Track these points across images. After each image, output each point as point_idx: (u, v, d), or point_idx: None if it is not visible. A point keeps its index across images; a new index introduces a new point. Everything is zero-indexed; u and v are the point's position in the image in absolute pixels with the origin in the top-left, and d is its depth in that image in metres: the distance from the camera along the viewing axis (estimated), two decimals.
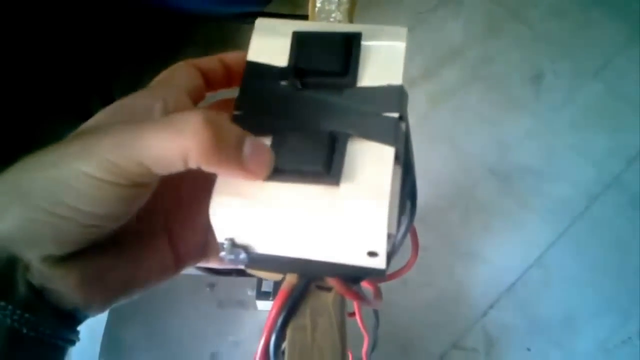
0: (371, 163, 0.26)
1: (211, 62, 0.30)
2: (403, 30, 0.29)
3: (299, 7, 1.44)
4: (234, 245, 0.27)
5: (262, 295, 0.92)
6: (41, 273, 0.24)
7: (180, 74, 0.29)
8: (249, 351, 1.00)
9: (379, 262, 0.26)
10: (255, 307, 0.96)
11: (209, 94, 0.31)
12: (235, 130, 0.25)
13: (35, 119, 1.54)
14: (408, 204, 0.29)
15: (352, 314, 0.54)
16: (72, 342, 0.27)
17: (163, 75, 0.29)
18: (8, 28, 1.14)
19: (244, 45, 0.31)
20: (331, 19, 0.37)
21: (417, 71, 1.69)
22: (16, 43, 1.19)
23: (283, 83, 0.28)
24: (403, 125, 0.28)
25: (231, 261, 0.27)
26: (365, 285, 0.35)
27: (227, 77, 0.31)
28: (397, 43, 0.29)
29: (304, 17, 0.37)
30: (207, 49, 0.68)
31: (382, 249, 0.25)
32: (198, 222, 0.32)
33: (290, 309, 0.27)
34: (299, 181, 0.25)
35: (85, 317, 0.28)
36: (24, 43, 1.21)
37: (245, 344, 0.99)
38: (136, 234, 0.29)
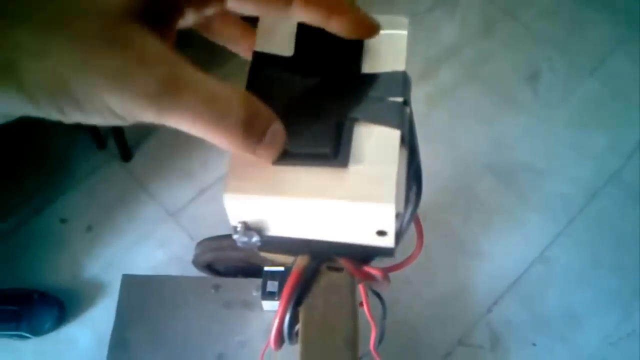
0: (378, 145, 0.26)
1: None
2: (404, 20, 0.31)
3: None
4: (247, 228, 0.28)
5: (268, 295, 0.92)
6: None
7: None
8: (255, 351, 1.01)
9: (388, 241, 0.27)
10: (260, 307, 0.97)
11: None
12: (265, 119, 0.25)
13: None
14: (414, 187, 0.30)
15: (360, 304, 0.55)
16: None
17: None
18: None
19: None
20: None
21: (414, 72, 1.68)
22: None
23: (289, 71, 0.29)
24: (407, 110, 0.29)
25: (244, 244, 0.28)
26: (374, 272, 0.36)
27: None
28: (399, 31, 0.30)
29: None
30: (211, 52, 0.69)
31: (391, 227, 0.26)
32: None
33: (303, 289, 0.28)
34: (308, 164, 0.26)
35: None
36: None
37: (251, 344, 0.99)
38: None
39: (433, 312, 1.39)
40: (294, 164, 0.26)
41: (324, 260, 0.29)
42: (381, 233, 0.27)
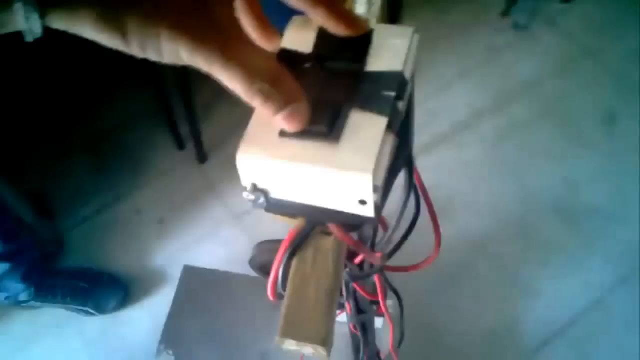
0: (367, 128, 0.32)
1: None
2: (409, 30, 0.36)
3: None
4: (255, 189, 0.34)
5: None
6: None
7: None
8: (296, 354, 1.05)
9: (368, 210, 0.32)
10: None
11: None
12: (288, 96, 0.31)
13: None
14: (406, 174, 0.35)
15: (376, 302, 0.58)
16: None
17: None
18: None
19: None
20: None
21: (487, 103, 1.71)
22: None
23: (307, 65, 0.35)
24: (400, 104, 0.33)
25: (253, 203, 0.34)
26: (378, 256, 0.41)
27: None
28: (402, 40, 0.35)
29: None
30: None
31: (369, 197, 0.31)
32: None
33: (297, 245, 0.33)
34: (309, 139, 0.32)
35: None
36: None
37: None
38: None
39: (479, 343, 1.38)
40: (298, 138, 0.32)
41: (317, 224, 0.34)
42: (362, 202, 0.32)
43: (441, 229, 0.48)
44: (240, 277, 1.32)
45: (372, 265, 0.48)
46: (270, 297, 0.35)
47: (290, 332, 0.33)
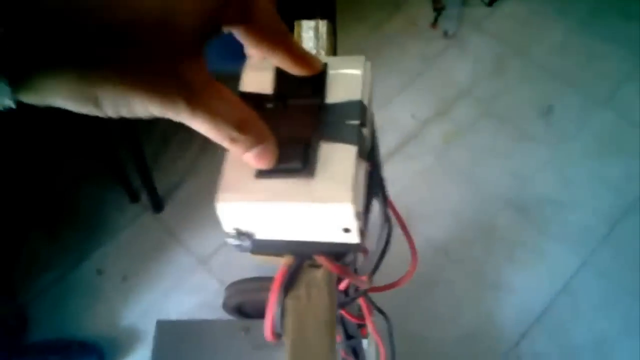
0: (338, 158, 0.33)
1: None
2: (360, 59, 0.37)
3: None
4: (239, 233, 0.34)
5: None
6: None
7: None
8: None
9: (353, 237, 0.33)
10: None
11: None
12: (257, 136, 0.31)
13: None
14: (380, 193, 0.36)
15: (363, 325, 0.59)
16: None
17: None
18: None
19: None
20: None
21: (429, 112, 1.76)
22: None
23: (270, 105, 0.36)
24: (364, 131, 0.35)
25: (238, 248, 0.34)
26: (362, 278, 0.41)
27: None
28: (355, 70, 0.37)
29: None
30: None
31: (353, 224, 0.32)
32: None
33: (288, 282, 0.34)
34: (283, 177, 0.32)
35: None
36: None
37: None
38: None
39: (461, 346, 1.40)
40: (273, 177, 0.33)
41: (305, 258, 0.35)
42: (346, 230, 0.32)
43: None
44: (216, 322, 1.29)
45: (356, 289, 0.48)
46: (269, 338, 0.35)
47: None
